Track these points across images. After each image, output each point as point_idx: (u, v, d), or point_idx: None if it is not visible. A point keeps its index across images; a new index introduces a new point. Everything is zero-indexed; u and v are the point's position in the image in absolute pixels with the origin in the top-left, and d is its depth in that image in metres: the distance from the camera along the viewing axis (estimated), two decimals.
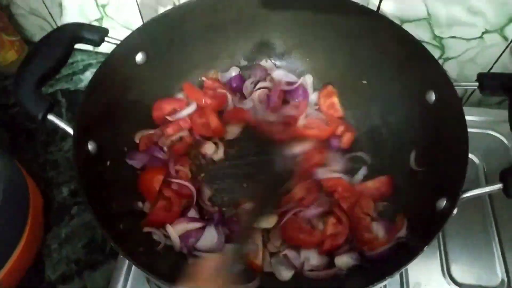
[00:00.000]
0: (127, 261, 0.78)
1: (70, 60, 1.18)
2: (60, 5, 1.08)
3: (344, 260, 0.69)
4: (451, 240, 0.80)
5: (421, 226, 0.59)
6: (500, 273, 0.76)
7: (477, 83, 0.66)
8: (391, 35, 0.76)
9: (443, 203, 0.59)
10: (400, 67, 0.77)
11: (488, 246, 0.79)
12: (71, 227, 0.88)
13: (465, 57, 0.95)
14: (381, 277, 0.50)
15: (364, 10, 0.77)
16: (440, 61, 0.97)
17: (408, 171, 0.75)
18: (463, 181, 0.57)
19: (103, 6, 1.06)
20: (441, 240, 0.80)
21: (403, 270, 0.56)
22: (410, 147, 0.75)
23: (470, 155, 0.90)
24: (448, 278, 0.76)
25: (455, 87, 0.66)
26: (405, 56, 0.75)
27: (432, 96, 0.71)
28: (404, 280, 0.75)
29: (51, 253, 0.85)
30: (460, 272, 0.76)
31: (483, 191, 0.56)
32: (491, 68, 0.96)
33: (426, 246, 0.53)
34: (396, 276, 0.75)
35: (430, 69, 0.70)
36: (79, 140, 0.62)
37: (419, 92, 0.73)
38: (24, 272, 0.78)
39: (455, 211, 0.58)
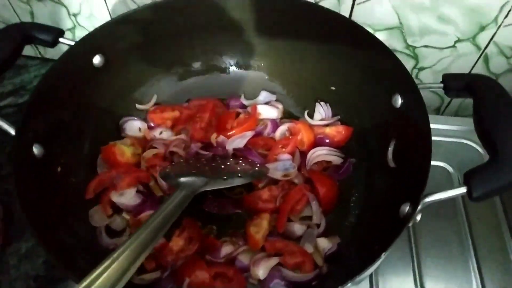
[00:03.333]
0: None
1: (42, 71, 1.21)
2: (32, 13, 1.07)
3: (298, 227, 0.70)
4: (425, 252, 0.76)
5: (383, 233, 0.55)
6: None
7: (442, 84, 0.63)
8: (357, 40, 0.74)
9: (406, 208, 0.56)
10: (367, 72, 0.75)
11: (463, 259, 0.75)
12: (32, 242, 0.83)
13: (439, 66, 0.94)
14: (345, 279, 0.47)
15: (334, 16, 0.76)
16: (415, 71, 0.96)
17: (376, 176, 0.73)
18: (424, 184, 0.53)
19: (75, 15, 1.04)
20: (414, 253, 0.76)
21: (365, 275, 0.52)
22: (381, 152, 0.73)
23: (444, 164, 0.87)
24: None
25: (420, 88, 0.63)
26: (371, 60, 0.73)
27: (398, 100, 0.68)
28: None
29: (9, 269, 0.80)
30: (434, 286, 0.72)
31: (446, 195, 0.52)
32: None
33: (384, 253, 0.49)
34: None
35: (396, 72, 0.68)
36: (21, 141, 0.59)
37: (387, 96, 0.71)
38: None
39: (418, 218, 0.54)
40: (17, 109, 1.11)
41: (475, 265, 0.74)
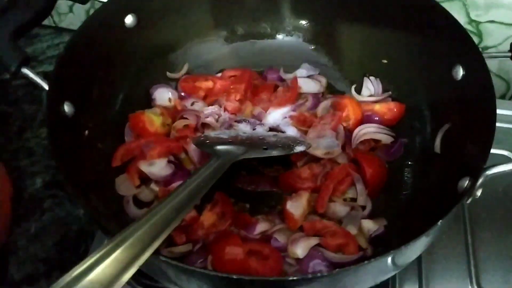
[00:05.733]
0: None
1: (56, 41, 1.30)
2: None
3: (340, 208, 0.76)
4: (483, 249, 0.80)
5: (437, 212, 0.60)
6: None
7: (510, 53, 0.68)
8: (412, 5, 0.80)
9: (465, 183, 0.61)
10: (424, 41, 0.81)
11: None
12: (42, 222, 0.91)
13: (506, 46, 0.96)
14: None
15: None
16: None
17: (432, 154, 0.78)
18: (486, 155, 0.58)
19: None
20: (470, 249, 0.80)
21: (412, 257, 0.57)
22: (436, 130, 0.78)
23: (509, 154, 0.91)
24: None
25: (485, 58, 0.68)
26: (429, 28, 0.79)
27: (459, 71, 0.73)
28: None
29: (18, 250, 0.87)
30: (492, 282, 0.76)
31: (508, 168, 0.57)
32: None
33: (441, 221, 0.54)
34: None
35: (458, 40, 0.73)
36: (53, 96, 0.67)
37: (445, 68, 0.76)
38: None
39: (478, 193, 0.59)
40: (28, 81, 1.20)
41: None
